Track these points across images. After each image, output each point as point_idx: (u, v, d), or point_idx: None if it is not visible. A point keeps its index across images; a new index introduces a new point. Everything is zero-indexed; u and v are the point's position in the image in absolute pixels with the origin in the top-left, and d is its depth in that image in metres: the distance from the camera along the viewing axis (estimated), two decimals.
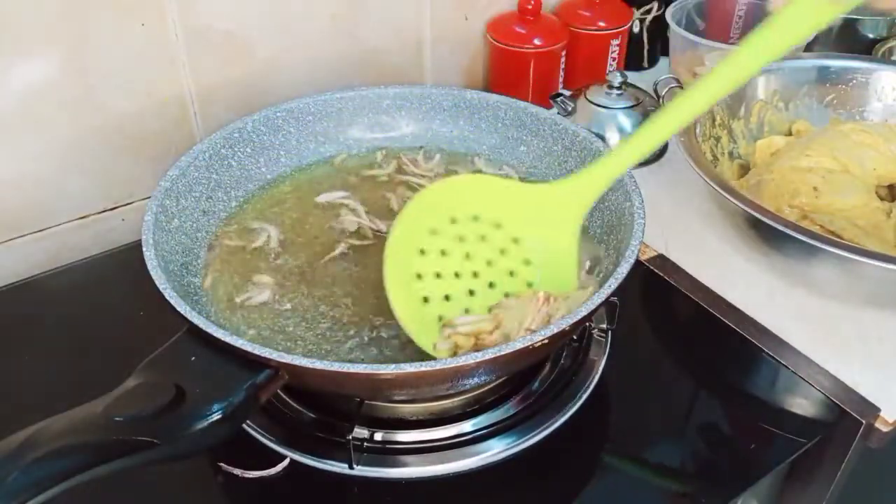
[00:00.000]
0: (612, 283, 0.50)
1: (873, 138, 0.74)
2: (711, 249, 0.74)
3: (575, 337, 0.63)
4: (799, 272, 0.66)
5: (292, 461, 0.54)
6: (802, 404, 0.61)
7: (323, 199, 0.67)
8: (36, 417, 0.41)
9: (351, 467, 0.53)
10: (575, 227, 0.56)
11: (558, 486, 0.54)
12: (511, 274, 0.57)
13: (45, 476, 0.39)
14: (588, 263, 0.60)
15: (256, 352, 0.45)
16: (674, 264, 0.72)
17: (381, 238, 0.62)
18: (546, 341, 0.47)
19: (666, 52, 1.01)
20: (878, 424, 0.59)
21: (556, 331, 0.47)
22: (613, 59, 0.96)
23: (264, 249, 0.63)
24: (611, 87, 0.83)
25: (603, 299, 0.49)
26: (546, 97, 0.85)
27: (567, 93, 0.84)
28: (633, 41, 1.01)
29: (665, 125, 0.52)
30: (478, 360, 0.45)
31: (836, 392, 0.60)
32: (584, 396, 0.59)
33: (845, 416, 0.59)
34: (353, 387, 0.50)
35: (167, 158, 0.74)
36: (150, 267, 0.51)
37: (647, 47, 1.03)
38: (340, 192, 0.68)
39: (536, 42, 0.88)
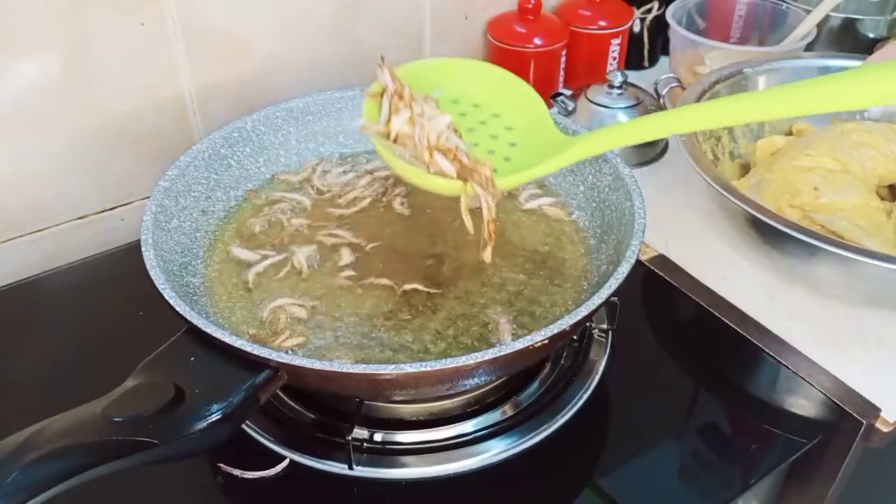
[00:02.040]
0: (613, 283, 0.50)
1: (874, 138, 0.74)
2: (712, 249, 0.74)
3: (575, 337, 0.63)
4: (799, 272, 0.66)
5: (292, 462, 0.54)
6: (803, 404, 0.61)
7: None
8: (36, 417, 0.41)
9: (350, 468, 0.53)
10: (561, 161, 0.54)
11: (558, 487, 0.54)
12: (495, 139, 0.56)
13: (45, 476, 0.39)
14: None
15: (256, 352, 0.45)
16: (674, 264, 0.72)
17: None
18: (546, 341, 0.47)
19: (666, 52, 1.01)
20: (878, 425, 0.59)
21: (556, 331, 0.47)
22: (614, 59, 0.95)
23: None
24: (611, 86, 0.83)
25: (603, 299, 0.49)
26: (546, 97, 0.85)
27: (567, 92, 0.84)
28: (634, 40, 1.00)
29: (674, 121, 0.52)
30: (478, 360, 0.45)
31: (837, 392, 0.60)
32: (585, 397, 0.59)
33: (846, 417, 0.59)
34: (353, 387, 0.50)
35: (166, 158, 0.73)
36: (149, 267, 0.51)
37: (648, 47, 1.03)
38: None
39: (536, 41, 0.88)
